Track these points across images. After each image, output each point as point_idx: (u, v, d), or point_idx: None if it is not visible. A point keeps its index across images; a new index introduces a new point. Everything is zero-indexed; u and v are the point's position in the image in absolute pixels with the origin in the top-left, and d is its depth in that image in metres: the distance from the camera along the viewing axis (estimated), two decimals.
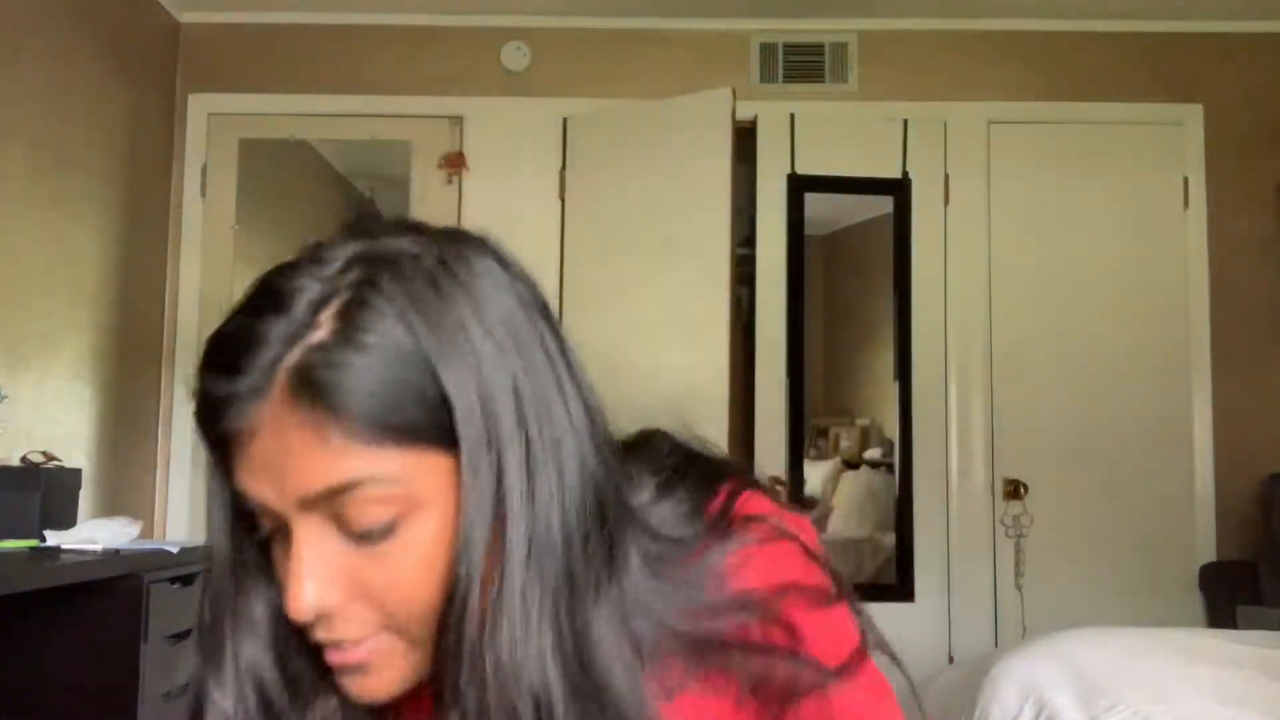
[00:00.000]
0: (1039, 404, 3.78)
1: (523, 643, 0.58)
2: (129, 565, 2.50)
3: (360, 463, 0.58)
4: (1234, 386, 3.76)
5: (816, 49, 3.91)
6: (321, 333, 0.58)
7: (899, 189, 3.85)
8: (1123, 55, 3.90)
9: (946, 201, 3.85)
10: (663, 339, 3.51)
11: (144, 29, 3.73)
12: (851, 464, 4.08)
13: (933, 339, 3.81)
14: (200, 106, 3.90)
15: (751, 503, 0.69)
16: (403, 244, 0.62)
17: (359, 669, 0.62)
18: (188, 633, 2.72)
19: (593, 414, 0.64)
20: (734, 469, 0.72)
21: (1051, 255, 3.83)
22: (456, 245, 0.64)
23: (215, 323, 0.62)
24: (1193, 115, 3.87)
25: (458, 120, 3.90)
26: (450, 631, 0.59)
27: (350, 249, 0.61)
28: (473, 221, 4.09)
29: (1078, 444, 3.76)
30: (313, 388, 0.57)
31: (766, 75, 3.90)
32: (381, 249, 0.61)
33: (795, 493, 3.74)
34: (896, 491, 3.80)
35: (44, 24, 3.13)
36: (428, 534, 0.60)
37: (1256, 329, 3.80)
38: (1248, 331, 3.79)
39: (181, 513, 3.77)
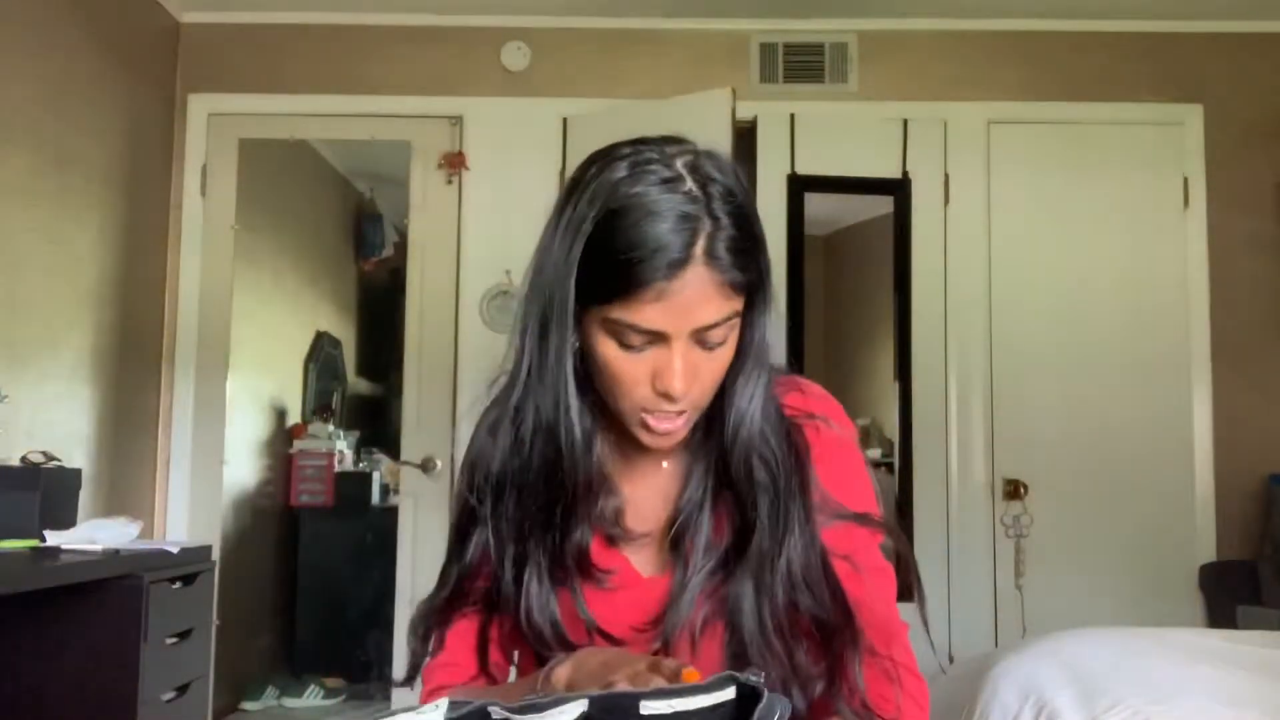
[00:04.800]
0: (1039, 404, 3.78)
1: (752, 402, 1.02)
2: (129, 565, 2.50)
3: (732, 307, 0.95)
4: (1234, 386, 3.76)
5: (816, 49, 3.91)
6: (725, 226, 0.93)
7: (899, 189, 3.84)
8: (1123, 55, 3.90)
9: (946, 201, 3.85)
10: None
11: (144, 29, 3.73)
12: None
13: (933, 339, 3.81)
14: (200, 106, 3.90)
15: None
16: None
17: (669, 434, 0.99)
18: (188, 632, 2.72)
19: None
20: None
21: (1051, 255, 3.83)
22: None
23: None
24: (1193, 115, 3.87)
25: (458, 120, 3.90)
26: (720, 400, 1.01)
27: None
28: (473, 222, 4.09)
29: (1078, 444, 3.76)
30: (718, 261, 0.92)
31: (766, 75, 3.90)
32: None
33: None
34: (896, 491, 3.80)
35: (44, 24, 3.13)
36: (729, 349, 0.98)
37: (1256, 329, 3.80)
38: (1248, 331, 3.79)
39: (181, 513, 3.77)
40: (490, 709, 0.74)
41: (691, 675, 0.77)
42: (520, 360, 1.01)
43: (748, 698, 0.75)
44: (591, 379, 1.00)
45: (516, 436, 1.02)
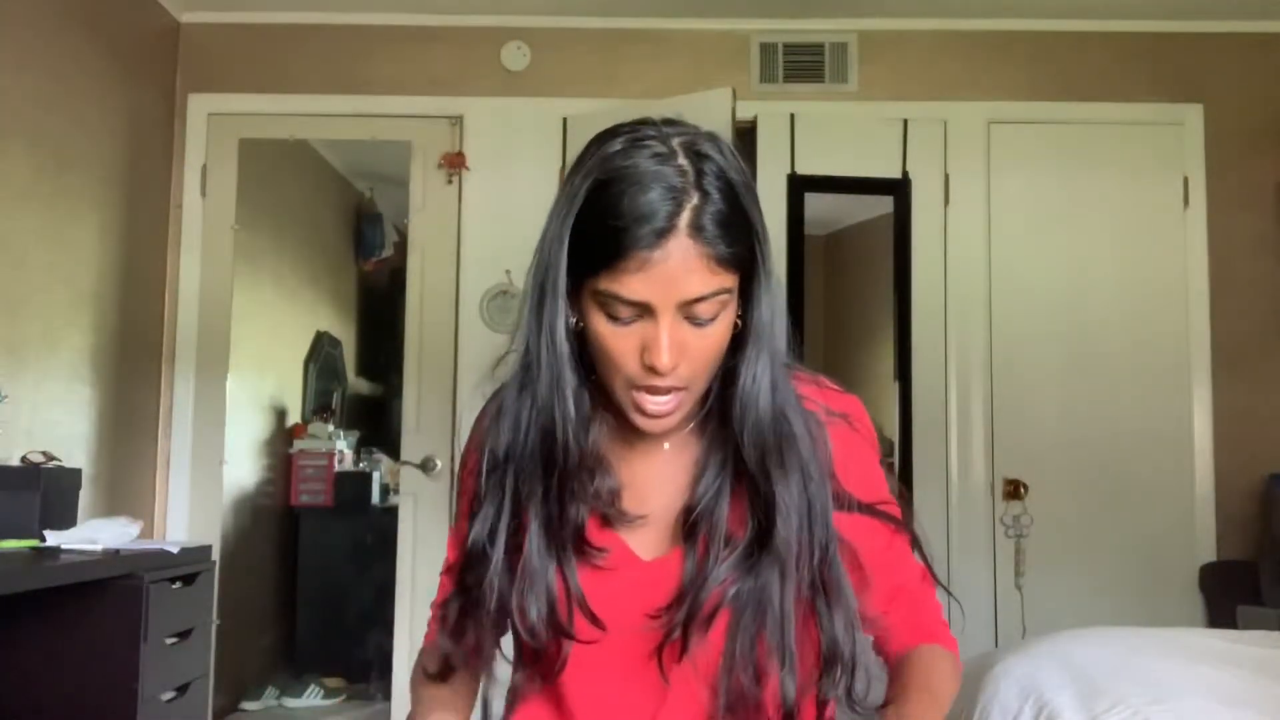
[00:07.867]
0: (1039, 404, 3.78)
1: (757, 382, 1.02)
2: (129, 565, 2.50)
3: (720, 283, 0.95)
4: (1234, 386, 3.76)
5: (816, 49, 3.91)
6: (714, 201, 0.94)
7: (899, 189, 3.84)
8: (1123, 55, 3.89)
9: (946, 201, 3.85)
10: None
11: (144, 29, 3.73)
12: None
13: (933, 339, 3.80)
14: (200, 106, 3.90)
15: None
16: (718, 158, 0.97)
17: (663, 415, 0.99)
18: (188, 632, 2.72)
19: None
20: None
21: (1051, 255, 3.83)
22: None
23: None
24: (1193, 115, 3.87)
25: (458, 120, 3.90)
26: (727, 376, 1.02)
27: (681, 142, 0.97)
28: (473, 222, 4.08)
29: (1078, 444, 3.76)
30: (703, 233, 0.93)
31: (766, 75, 3.90)
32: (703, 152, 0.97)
33: None
34: (897, 491, 3.79)
35: (44, 24, 3.13)
36: (724, 323, 0.98)
37: (1256, 329, 3.80)
38: (1248, 331, 3.79)
39: (181, 513, 3.77)
40: None
41: None
42: (522, 336, 1.03)
43: None
44: (592, 360, 1.01)
45: (517, 412, 1.03)
